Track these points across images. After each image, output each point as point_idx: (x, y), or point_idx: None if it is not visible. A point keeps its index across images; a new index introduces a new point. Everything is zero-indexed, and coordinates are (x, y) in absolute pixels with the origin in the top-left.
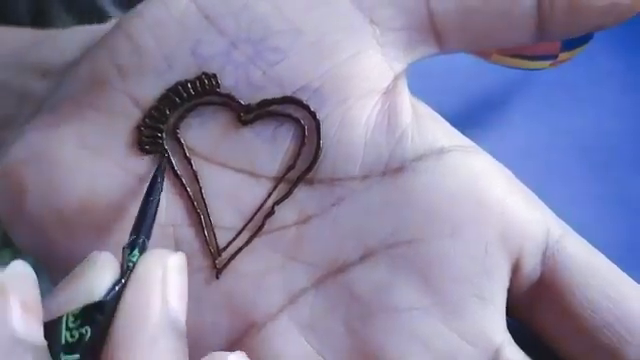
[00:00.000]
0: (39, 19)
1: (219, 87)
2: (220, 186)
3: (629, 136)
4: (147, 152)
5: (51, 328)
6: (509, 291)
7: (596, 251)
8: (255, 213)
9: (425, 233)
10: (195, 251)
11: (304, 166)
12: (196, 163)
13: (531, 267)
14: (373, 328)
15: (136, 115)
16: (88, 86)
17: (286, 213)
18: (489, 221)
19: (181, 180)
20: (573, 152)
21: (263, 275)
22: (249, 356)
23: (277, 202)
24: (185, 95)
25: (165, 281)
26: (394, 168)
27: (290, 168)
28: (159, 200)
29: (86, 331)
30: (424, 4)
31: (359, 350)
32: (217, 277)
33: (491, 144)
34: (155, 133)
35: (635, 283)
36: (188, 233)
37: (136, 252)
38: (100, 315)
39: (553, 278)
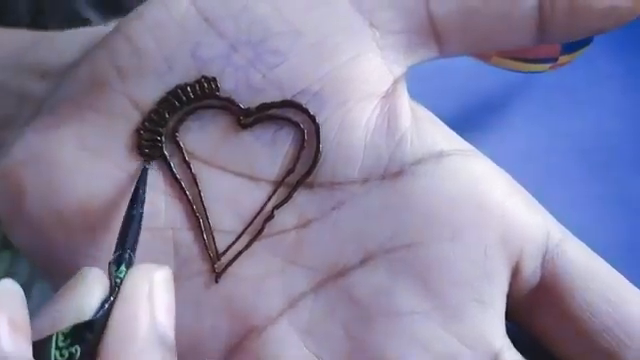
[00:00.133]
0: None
1: (218, 91)
2: (219, 190)
3: (629, 138)
4: (146, 156)
5: (40, 347)
6: (508, 295)
7: (596, 255)
8: (255, 217)
9: (425, 237)
10: (194, 255)
11: (304, 170)
12: (195, 167)
13: (531, 270)
14: (373, 332)
15: (136, 117)
16: (88, 88)
17: (286, 217)
18: (489, 225)
19: (180, 184)
20: (573, 154)
21: (263, 279)
22: None
23: (277, 206)
24: (184, 98)
25: (152, 296)
26: (394, 172)
27: (290, 172)
28: (142, 213)
29: (76, 350)
30: (424, 7)
31: (359, 354)
32: (216, 281)
33: (491, 147)
34: (154, 137)
35: (635, 287)
36: (187, 237)
37: (123, 268)
38: (90, 334)
39: (553, 282)
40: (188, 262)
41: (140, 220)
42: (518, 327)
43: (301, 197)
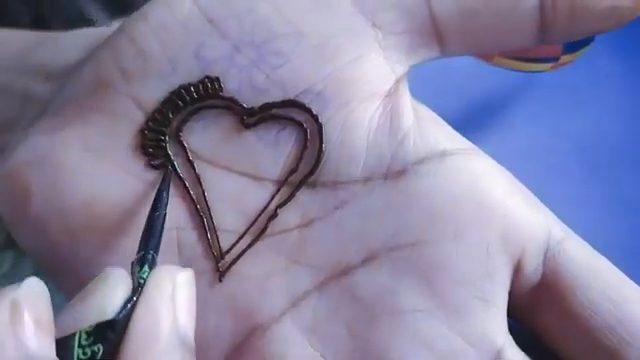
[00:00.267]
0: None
1: (222, 90)
2: (223, 189)
3: (629, 138)
4: (150, 156)
5: (63, 345)
6: (510, 292)
7: (597, 253)
8: (258, 216)
9: (427, 236)
10: (198, 254)
11: (307, 169)
12: (199, 166)
13: (532, 268)
14: (376, 331)
15: (140, 118)
16: (92, 89)
17: (289, 216)
18: (491, 223)
19: (184, 183)
20: (574, 154)
21: (266, 278)
22: (252, 359)
23: (280, 205)
24: (188, 99)
25: (174, 298)
26: (396, 171)
27: (293, 171)
28: (165, 214)
29: (98, 349)
30: (426, 7)
31: (362, 353)
32: (220, 280)
33: (492, 146)
34: (158, 137)
35: (636, 286)
36: (191, 236)
37: (146, 268)
38: (112, 333)
39: (554, 279)
40: (192, 261)
41: (163, 221)
42: (520, 324)
43: (304, 196)
